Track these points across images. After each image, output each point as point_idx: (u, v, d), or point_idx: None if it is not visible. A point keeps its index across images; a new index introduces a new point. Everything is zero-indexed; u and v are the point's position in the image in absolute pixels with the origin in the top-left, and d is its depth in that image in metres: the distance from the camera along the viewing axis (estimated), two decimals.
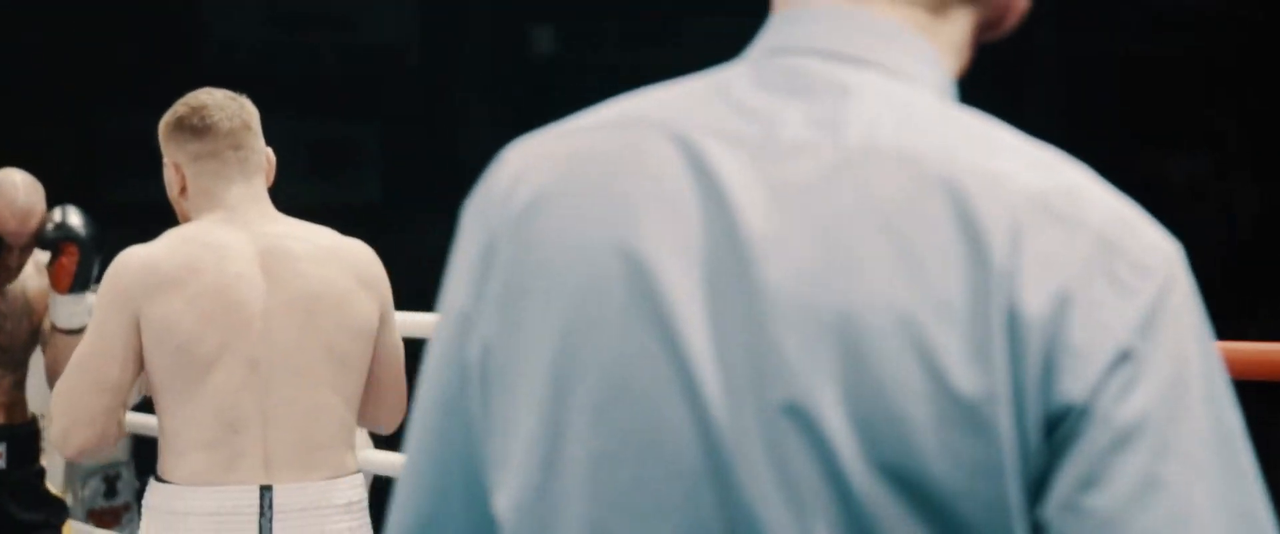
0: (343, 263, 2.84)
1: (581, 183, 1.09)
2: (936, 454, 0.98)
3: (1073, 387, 0.98)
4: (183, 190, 2.90)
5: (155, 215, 13.09)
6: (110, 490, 4.84)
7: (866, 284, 1.00)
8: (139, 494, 4.93)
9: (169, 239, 2.86)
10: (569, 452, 1.04)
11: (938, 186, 1.01)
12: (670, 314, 1.03)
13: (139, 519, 4.86)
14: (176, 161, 2.91)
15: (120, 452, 4.89)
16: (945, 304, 0.99)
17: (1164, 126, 12.01)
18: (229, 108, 2.94)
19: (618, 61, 13.08)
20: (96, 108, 12.88)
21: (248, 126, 2.94)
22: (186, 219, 2.86)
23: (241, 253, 2.82)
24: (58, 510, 3.95)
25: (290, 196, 12.61)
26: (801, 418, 0.99)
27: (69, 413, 2.75)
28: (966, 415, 0.98)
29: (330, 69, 12.95)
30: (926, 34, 1.09)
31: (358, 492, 2.82)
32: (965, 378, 0.98)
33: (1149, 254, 1.00)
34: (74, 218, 3.69)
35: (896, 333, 0.99)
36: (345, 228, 12.39)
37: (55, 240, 3.68)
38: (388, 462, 3.90)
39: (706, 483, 1.01)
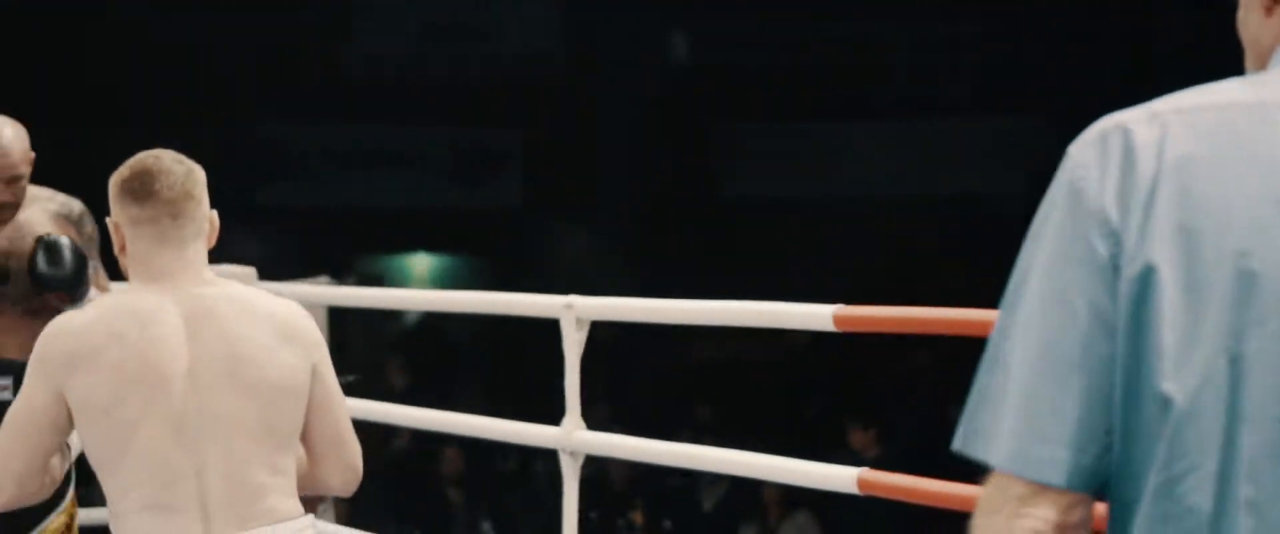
0: (266, 322, 2.90)
1: (1226, 149, 1.43)
2: None
3: None
4: (123, 249, 2.98)
5: (299, 217, 13.18)
6: None
7: None
8: None
9: (97, 308, 2.99)
10: (1248, 348, 1.39)
11: None
12: None
13: (331, 510, 5.03)
14: (118, 222, 2.97)
15: None
16: None
17: None
18: (173, 175, 2.94)
19: (752, 66, 13.15)
20: (247, 114, 13.13)
21: (189, 195, 2.93)
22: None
23: (165, 316, 2.89)
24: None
25: (435, 203, 12.71)
26: None
27: None
28: None
29: (475, 78, 13.09)
30: None
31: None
32: None
33: None
34: (61, 263, 3.78)
35: None
36: (487, 233, 12.47)
37: (44, 285, 3.82)
38: None
39: None
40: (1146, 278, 1.42)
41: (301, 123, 13.31)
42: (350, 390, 5.14)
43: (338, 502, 5.33)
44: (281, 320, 2.91)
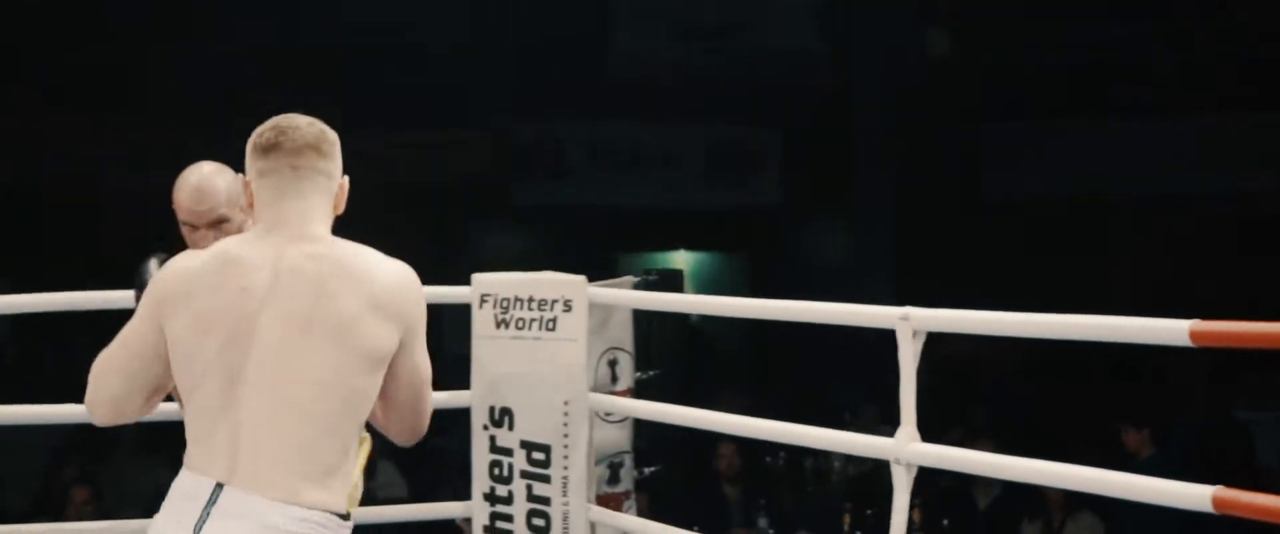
0: (363, 286, 2.85)
1: None
2: None
3: None
4: (250, 204, 2.98)
5: (557, 216, 13.35)
6: (613, 477, 5.12)
7: None
8: (639, 482, 5.22)
9: (208, 252, 2.95)
10: None
11: None
12: None
13: (635, 507, 5.15)
14: (248, 177, 2.98)
15: (625, 441, 5.15)
16: None
17: None
18: (299, 129, 2.95)
19: (1015, 63, 13.01)
20: (509, 115, 13.31)
21: (313, 147, 2.94)
22: None
23: (257, 269, 2.87)
24: None
25: (693, 202, 12.76)
26: None
27: (94, 388, 2.97)
28: None
29: (733, 76, 13.13)
30: None
31: (303, 525, 2.79)
32: None
33: None
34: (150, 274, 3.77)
35: None
36: (745, 231, 12.49)
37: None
38: None
39: None
40: None
41: (561, 122, 13.47)
42: (646, 387, 5.26)
43: (639, 498, 5.44)
44: (380, 287, 2.85)
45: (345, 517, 2.86)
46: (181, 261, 2.94)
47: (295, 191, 2.94)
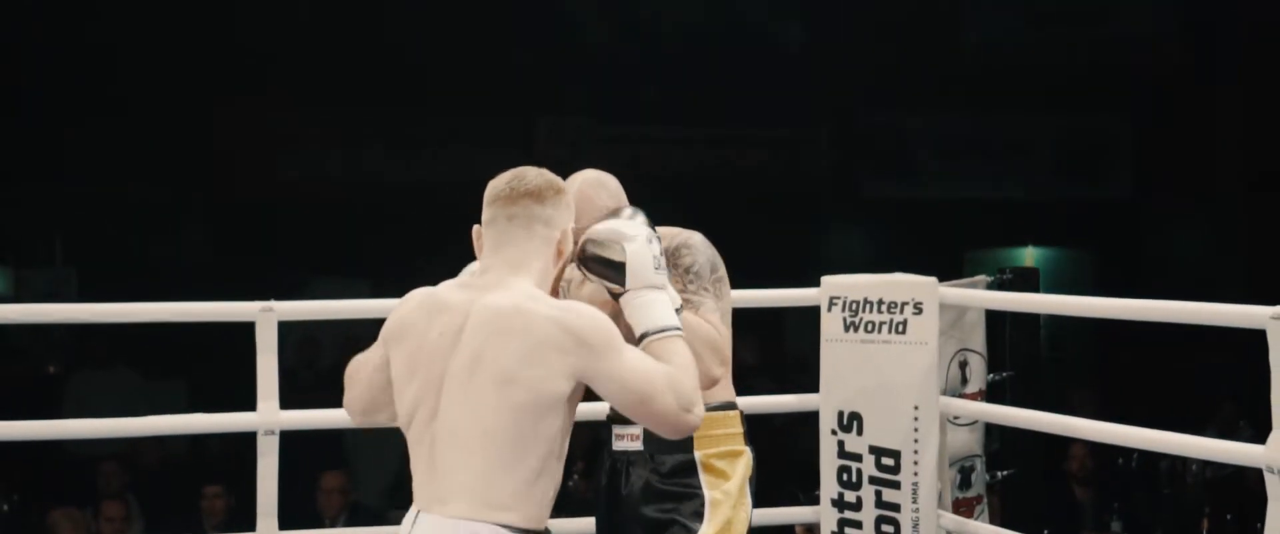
0: (521, 334, 2.96)
1: None
2: None
3: None
4: (479, 248, 3.14)
5: (904, 210, 13.22)
6: (965, 481, 5.03)
7: None
8: (990, 486, 5.11)
9: (427, 292, 3.13)
10: None
11: None
12: None
13: (987, 512, 5.05)
14: (478, 228, 3.14)
15: (976, 445, 5.05)
16: None
17: None
18: (525, 180, 3.08)
19: None
20: (857, 106, 13.21)
21: (532, 197, 3.06)
22: None
23: (454, 314, 3.02)
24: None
25: (1043, 195, 12.51)
26: None
27: (347, 394, 3.27)
28: None
29: (1083, 65, 12.81)
30: None
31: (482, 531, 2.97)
32: None
33: None
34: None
35: None
36: (1096, 226, 12.17)
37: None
38: None
39: None
40: None
41: (912, 114, 13.33)
42: (997, 389, 5.13)
43: (992, 500, 5.32)
44: (540, 337, 2.95)
45: (534, 532, 3.02)
46: (407, 301, 3.14)
47: (507, 240, 3.08)
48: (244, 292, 5.21)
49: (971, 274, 5.28)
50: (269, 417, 4.62)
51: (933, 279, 4.86)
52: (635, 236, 3.26)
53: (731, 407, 3.74)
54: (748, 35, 12.85)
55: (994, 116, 13.18)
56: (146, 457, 8.93)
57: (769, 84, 12.77)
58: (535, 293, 3.03)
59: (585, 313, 3.01)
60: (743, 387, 4.65)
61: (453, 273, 3.35)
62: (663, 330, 3.15)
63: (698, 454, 3.68)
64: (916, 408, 4.80)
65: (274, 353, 4.58)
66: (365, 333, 10.65)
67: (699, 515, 3.67)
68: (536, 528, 3.01)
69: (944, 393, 4.89)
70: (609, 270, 3.24)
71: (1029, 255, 13.75)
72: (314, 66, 12.12)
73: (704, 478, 3.68)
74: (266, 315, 4.59)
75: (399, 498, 8.27)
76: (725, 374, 3.72)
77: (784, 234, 12.23)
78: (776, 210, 12.69)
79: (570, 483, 8.59)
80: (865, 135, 13.40)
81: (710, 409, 3.60)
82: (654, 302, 3.20)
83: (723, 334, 3.69)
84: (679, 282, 3.67)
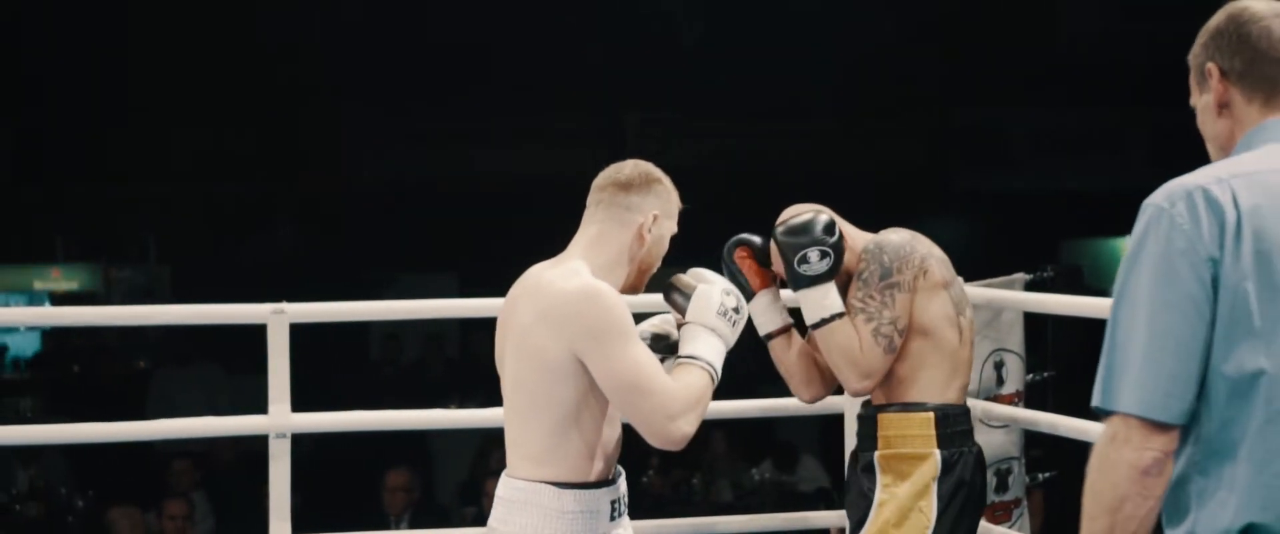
0: (537, 301, 3.17)
1: (1276, 199, 2.23)
2: None
3: None
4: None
5: (1000, 203, 13.05)
6: (1001, 484, 4.91)
7: None
8: (1029, 489, 4.98)
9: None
10: None
11: None
12: None
13: (1026, 514, 4.93)
14: None
15: (1013, 447, 4.93)
16: None
17: None
18: (620, 170, 3.33)
19: None
20: (949, 98, 13.10)
21: (619, 185, 3.31)
22: None
23: (520, 286, 3.26)
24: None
25: (1137, 187, 12.35)
26: None
27: None
28: None
29: (1175, 56, 12.60)
30: None
31: (511, 491, 3.22)
32: None
33: None
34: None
35: None
36: None
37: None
38: None
39: None
40: (1239, 290, 2.20)
41: (1006, 106, 13.19)
42: (1036, 391, 5.01)
43: (1033, 499, 5.22)
44: (547, 302, 3.15)
45: (566, 484, 3.20)
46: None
47: (586, 220, 3.32)
48: (330, 289, 5.23)
49: (1067, 264, 5.15)
50: (281, 420, 4.59)
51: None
52: (713, 282, 3.42)
53: (921, 408, 3.76)
54: (838, 28, 12.79)
55: (1089, 108, 13.01)
56: (223, 454, 8.99)
57: (860, 77, 12.69)
58: (577, 268, 3.23)
59: (604, 298, 3.16)
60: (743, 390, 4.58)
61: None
62: (691, 358, 3.29)
63: (875, 454, 3.78)
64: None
65: (286, 355, 4.55)
66: (445, 328, 10.68)
67: (864, 518, 3.77)
68: (574, 480, 3.21)
69: (976, 395, 4.77)
70: (679, 297, 3.40)
71: (1125, 246, 13.55)
72: (397, 66, 12.19)
73: (879, 479, 3.76)
74: (278, 317, 4.56)
75: (470, 495, 8.29)
76: (915, 375, 3.79)
77: (880, 226, 12.14)
78: (871, 202, 12.59)
79: (644, 480, 8.56)
80: (962, 127, 13.27)
81: (894, 408, 3.75)
82: (699, 335, 3.33)
83: (867, 346, 3.75)
84: (855, 289, 3.79)
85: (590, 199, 3.32)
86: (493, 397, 4.68)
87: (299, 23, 12.03)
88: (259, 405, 4.58)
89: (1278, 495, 2.22)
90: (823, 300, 3.80)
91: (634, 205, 3.30)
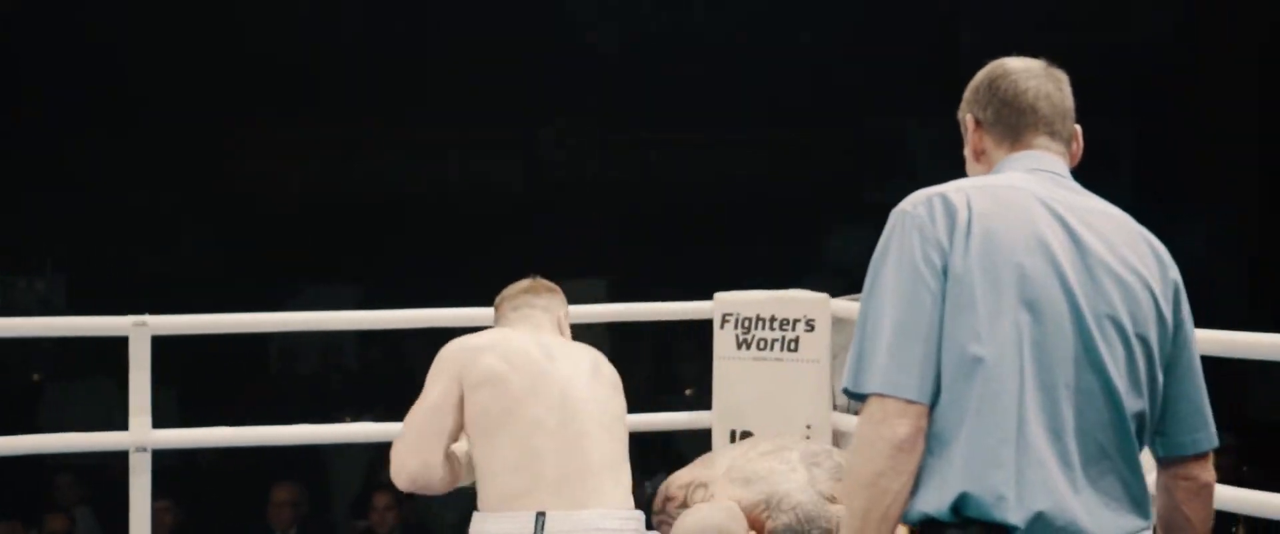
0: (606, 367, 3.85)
1: (1003, 208, 2.52)
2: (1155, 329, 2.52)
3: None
4: None
5: None
6: None
7: (1129, 263, 2.53)
8: None
9: None
10: (1020, 318, 2.45)
11: (1135, 229, 2.61)
12: (1059, 263, 2.49)
13: None
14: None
15: None
16: (1154, 278, 2.55)
17: None
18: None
19: None
20: (861, 110, 13.09)
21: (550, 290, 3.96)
22: None
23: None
24: None
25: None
26: (1114, 318, 2.50)
27: None
28: (1161, 319, 2.54)
29: (1088, 68, 12.62)
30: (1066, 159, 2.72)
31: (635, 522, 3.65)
32: (1163, 306, 2.55)
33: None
34: None
35: (1142, 286, 2.53)
36: None
37: None
38: None
39: (1071, 331, 2.47)
40: (965, 281, 2.45)
41: (907, 117, 13.19)
42: None
43: None
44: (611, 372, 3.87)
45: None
46: None
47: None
48: (236, 299, 5.14)
49: None
50: (141, 435, 4.52)
51: (824, 295, 4.73)
52: None
53: None
54: (755, 39, 12.76)
55: None
56: (112, 470, 8.86)
57: (773, 87, 12.67)
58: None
59: (451, 347, 3.63)
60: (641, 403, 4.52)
61: (449, 278, 3.41)
62: None
63: None
64: (809, 426, 4.68)
65: (147, 368, 4.48)
66: (342, 340, 10.50)
67: None
68: (486, 508, 3.53)
69: (838, 411, 4.74)
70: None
71: None
72: (310, 75, 12.09)
73: None
74: (139, 330, 4.49)
75: (360, 510, 8.21)
76: None
77: (786, 239, 12.12)
78: (779, 214, 12.58)
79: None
80: (866, 139, 13.26)
81: None
82: None
83: None
84: None
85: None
86: (391, 409, 4.64)
87: (212, 32, 11.91)
88: (158, 419, 4.52)
89: (985, 470, 2.40)
90: None
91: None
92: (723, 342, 4.79)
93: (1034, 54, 2.92)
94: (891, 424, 2.40)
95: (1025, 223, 2.49)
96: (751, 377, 4.73)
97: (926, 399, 2.43)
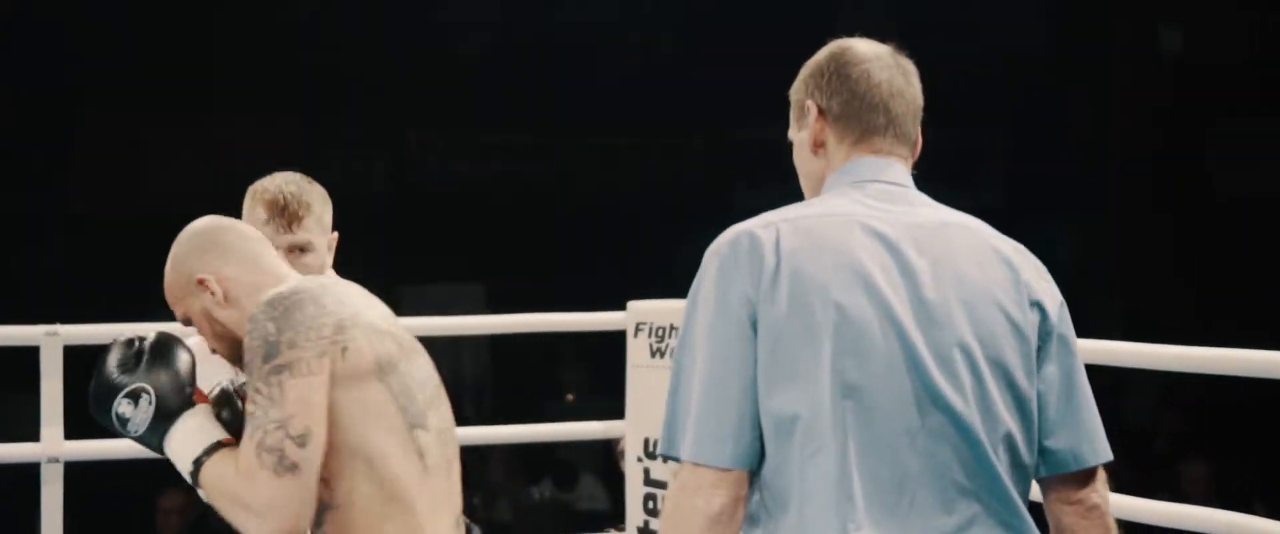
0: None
1: (818, 243, 2.25)
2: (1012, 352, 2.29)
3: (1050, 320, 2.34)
4: None
5: None
6: None
7: (973, 281, 2.30)
8: None
9: None
10: (841, 365, 2.20)
11: (983, 240, 2.38)
12: (884, 298, 2.24)
13: None
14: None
15: None
16: (1006, 292, 2.31)
17: None
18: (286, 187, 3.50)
19: (1245, 61, 12.47)
20: (728, 116, 13.16)
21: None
22: None
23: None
24: None
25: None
26: (961, 345, 2.26)
27: None
28: (1020, 334, 2.30)
29: (956, 75, 12.80)
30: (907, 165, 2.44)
31: None
32: (1020, 320, 2.30)
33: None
34: None
35: (992, 303, 2.30)
36: None
37: None
38: None
39: (904, 369, 2.22)
40: (776, 332, 2.21)
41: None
42: None
43: None
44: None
45: None
46: None
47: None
48: (102, 310, 5.09)
49: None
50: (53, 446, 4.48)
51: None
52: None
53: None
54: (626, 43, 12.81)
55: None
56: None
57: (646, 92, 12.71)
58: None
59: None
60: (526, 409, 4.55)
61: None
62: None
63: None
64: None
65: (59, 378, 4.44)
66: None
67: None
68: None
69: None
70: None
71: None
72: (185, 77, 11.97)
73: None
74: (51, 339, 4.45)
75: None
76: (352, 513, 2.71)
77: (651, 246, 12.18)
78: (649, 221, 12.63)
79: None
80: (736, 145, 13.35)
81: None
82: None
83: (248, 469, 2.61)
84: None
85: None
86: None
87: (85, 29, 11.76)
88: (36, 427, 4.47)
89: None
90: (185, 442, 2.70)
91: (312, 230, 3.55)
92: (637, 350, 4.83)
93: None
94: (706, 495, 2.19)
95: (843, 258, 2.24)
96: (665, 386, 4.76)
97: (744, 464, 2.21)
